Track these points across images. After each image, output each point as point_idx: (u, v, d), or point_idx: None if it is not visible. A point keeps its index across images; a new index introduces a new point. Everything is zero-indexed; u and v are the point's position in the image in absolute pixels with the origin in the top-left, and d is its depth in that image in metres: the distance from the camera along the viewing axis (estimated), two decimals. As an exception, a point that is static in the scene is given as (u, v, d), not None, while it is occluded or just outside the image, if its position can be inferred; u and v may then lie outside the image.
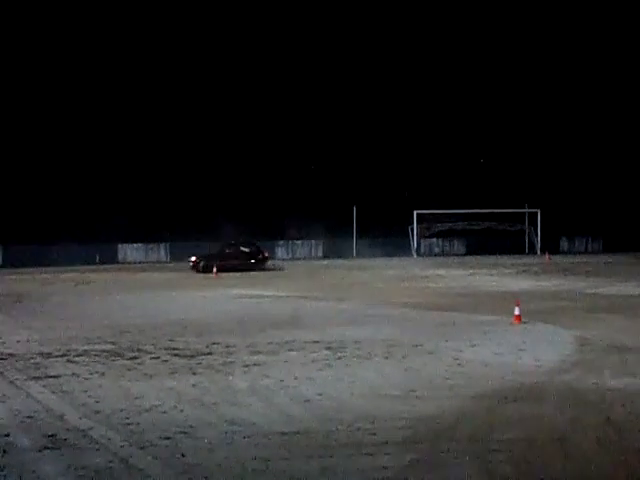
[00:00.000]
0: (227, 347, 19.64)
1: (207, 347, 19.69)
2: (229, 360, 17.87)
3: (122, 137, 66.83)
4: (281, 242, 66.81)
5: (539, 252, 67.43)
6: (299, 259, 64.54)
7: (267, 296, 33.19)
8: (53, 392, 14.72)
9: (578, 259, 60.42)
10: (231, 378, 15.85)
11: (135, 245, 63.62)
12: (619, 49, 74.23)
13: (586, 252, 70.34)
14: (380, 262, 57.35)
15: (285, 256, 65.87)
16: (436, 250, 69.04)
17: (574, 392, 14.42)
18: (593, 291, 34.01)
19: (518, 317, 23.69)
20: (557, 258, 61.00)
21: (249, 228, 64.35)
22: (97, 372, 16.62)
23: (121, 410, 13.25)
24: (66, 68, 65.40)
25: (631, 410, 13.05)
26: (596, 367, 16.76)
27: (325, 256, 65.54)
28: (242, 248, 50.09)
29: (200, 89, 69.15)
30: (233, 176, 68.59)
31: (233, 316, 26.30)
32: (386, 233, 66.14)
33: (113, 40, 66.23)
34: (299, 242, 67.10)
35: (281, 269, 51.51)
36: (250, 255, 50.29)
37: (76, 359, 18.24)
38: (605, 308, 27.42)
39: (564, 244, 71.99)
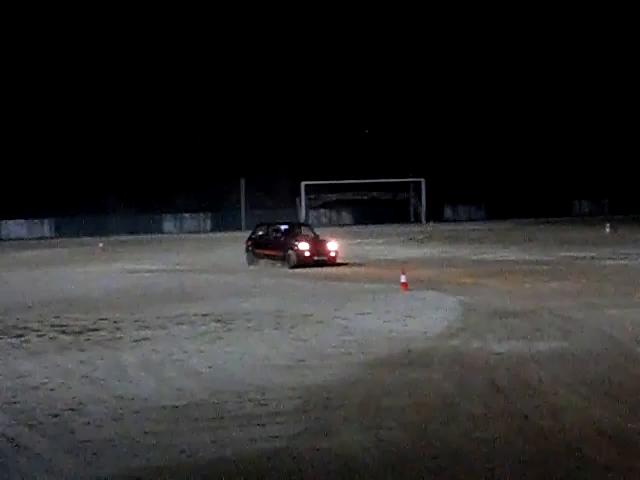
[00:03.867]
0: (115, 323, 19.42)
1: (94, 323, 19.43)
2: (117, 336, 17.67)
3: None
4: (168, 215, 66.22)
5: (424, 220, 68.43)
6: (188, 232, 64.06)
7: (155, 270, 32.91)
8: None
9: (462, 226, 61.54)
10: (120, 354, 15.69)
11: (18, 221, 62.18)
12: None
13: (469, 219, 71.67)
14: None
15: (173, 229, 65.34)
16: (324, 220, 69.41)
17: (461, 357, 14.71)
18: (477, 257, 34.72)
19: (405, 285, 24.02)
20: (441, 226, 61.98)
21: (135, 202, 63.66)
22: (-19, 352, 16.24)
23: (7, 388, 12.99)
24: None
25: (515, 374, 13.37)
26: (481, 332, 17.12)
27: (214, 229, 65.19)
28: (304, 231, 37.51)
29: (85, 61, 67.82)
30: (119, 149, 67.57)
31: (120, 291, 26.02)
32: (274, 205, 66.18)
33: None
34: (187, 215, 66.59)
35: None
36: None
37: (-42, 339, 17.79)
38: (489, 274, 28.02)
39: (448, 212, 73.21)
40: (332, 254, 32.55)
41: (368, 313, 19.94)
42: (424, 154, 71.77)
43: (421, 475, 9.01)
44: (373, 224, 64.49)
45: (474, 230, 56.01)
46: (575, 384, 12.52)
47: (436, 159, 72.26)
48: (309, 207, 68.83)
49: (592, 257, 32.96)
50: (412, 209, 71.55)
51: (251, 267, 33.56)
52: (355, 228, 61.92)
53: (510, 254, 35.82)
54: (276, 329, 18.08)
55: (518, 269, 29.16)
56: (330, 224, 68.27)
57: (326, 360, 14.65)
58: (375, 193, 69.43)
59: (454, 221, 70.54)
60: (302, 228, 36.19)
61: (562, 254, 34.86)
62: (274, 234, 33.98)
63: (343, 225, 66.02)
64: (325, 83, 73.13)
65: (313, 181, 67.50)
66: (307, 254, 31.91)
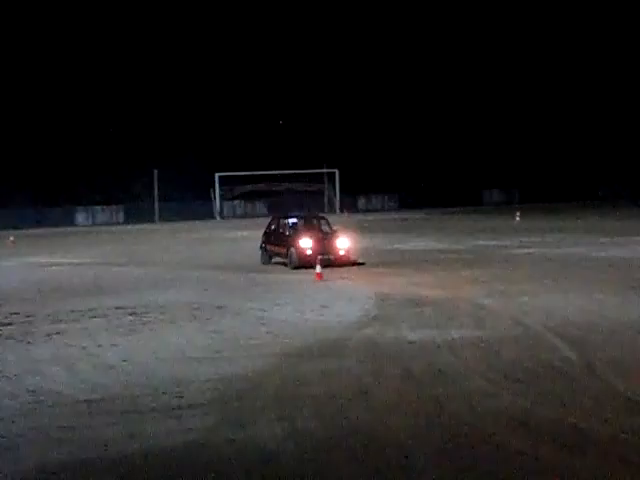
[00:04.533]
0: (27, 317, 19.14)
1: (6, 318, 19.12)
2: (30, 330, 17.43)
3: None
4: (80, 208, 65.35)
5: (338, 211, 68.75)
6: (100, 225, 63.32)
7: (67, 263, 32.48)
8: None
9: (376, 216, 61.99)
10: (32, 348, 15.48)
11: None
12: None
13: (383, 210, 72.22)
14: (183, 226, 57.06)
15: (86, 222, 64.50)
16: (239, 212, 69.26)
17: (374, 346, 14.86)
18: (391, 247, 35.02)
19: (319, 275, 24.14)
20: (355, 216, 62.34)
21: (47, 195, 62.66)
22: None
23: None
24: None
25: (428, 361, 13.57)
26: (395, 321, 17.31)
27: (127, 222, 64.55)
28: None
29: None
30: (29, 142, 66.38)
31: (32, 285, 25.63)
32: (188, 197, 65.76)
33: None
34: (99, 208, 65.78)
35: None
36: None
37: None
38: (402, 263, 28.31)
39: (362, 202, 73.61)
40: (341, 252, 27.70)
41: (284, 304, 19.99)
42: (338, 145, 72.03)
43: (337, 464, 9.10)
44: (288, 215, 64.56)
45: (387, 220, 56.47)
46: (487, 371, 12.75)
47: (350, 150, 72.59)
48: (224, 198, 68.60)
49: (502, 246, 33.51)
50: (326, 200, 71.81)
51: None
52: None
53: (423, 243, 36.23)
54: (191, 321, 18.02)
55: (431, 258, 29.51)
56: (245, 216, 68.13)
57: (242, 351, 14.67)
58: (289, 184, 69.55)
59: (368, 211, 70.98)
60: (315, 221, 30.47)
61: (474, 243, 35.37)
62: (282, 228, 29.47)
63: (258, 216, 65.87)
64: (238, 74, 72.89)
65: (227, 172, 67.28)
66: (309, 252, 27.07)
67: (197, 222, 60.51)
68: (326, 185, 71.79)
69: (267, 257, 29.72)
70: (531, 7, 77.02)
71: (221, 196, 68.20)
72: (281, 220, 30.17)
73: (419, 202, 70.74)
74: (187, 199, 65.69)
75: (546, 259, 28.30)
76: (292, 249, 27.66)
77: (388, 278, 24.36)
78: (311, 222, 30.14)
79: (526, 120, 77.23)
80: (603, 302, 18.72)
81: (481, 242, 35.68)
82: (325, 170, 70.65)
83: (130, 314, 19.10)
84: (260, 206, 70.08)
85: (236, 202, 69.85)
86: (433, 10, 76.84)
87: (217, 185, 67.45)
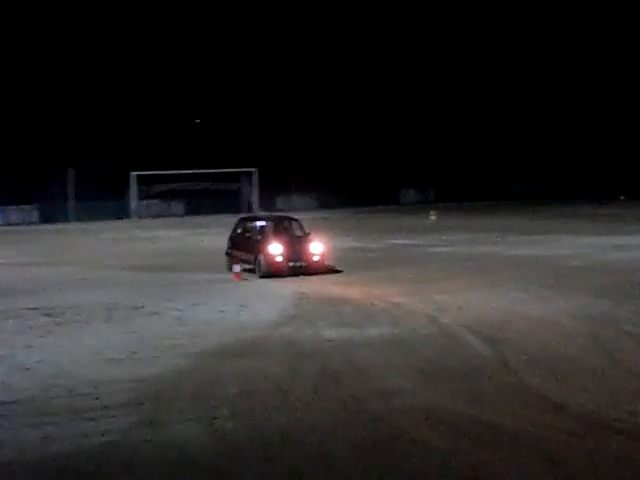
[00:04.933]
0: (-62, 319, 18.71)
1: None
2: (-60, 332, 17.04)
3: None
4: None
5: (256, 210, 68.64)
6: (14, 225, 62.20)
7: (-21, 264, 31.83)
8: None
9: (295, 216, 61.93)
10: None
11: None
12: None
13: (303, 209, 72.28)
14: (99, 225, 56.35)
15: (-2, 222, 63.25)
16: (156, 211, 68.62)
17: (293, 345, 14.90)
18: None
19: (238, 275, 24.09)
20: (274, 216, 62.28)
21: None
22: None
23: None
24: None
25: (346, 359, 13.65)
26: (313, 319, 17.37)
27: (41, 221, 63.50)
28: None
29: None
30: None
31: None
32: (104, 196, 64.93)
33: None
34: (13, 207, 64.59)
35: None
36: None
37: None
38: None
39: (281, 201, 73.57)
40: (315, 258, 24.83)
41: (202, 303, 19.90)
42: (257, 144, 71.86)
43: (255, 463, 9.10)
44: (206, 214, 64.14)
45: (307, 219, 56.51)
46: (405, 368, 12.88)
47: (269, 149, 72.50)
48: (140, 198, 67.93)
49: (419, 245, 33.81)
50: (245, 199, 71.60)
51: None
52: (188, 219, 61.50)
53: (341, 243, 36.35)
54: (107, 322, 17.83)
55: (349, 257, 29.63)
56: (163, 215, 67.54)
57: (159, 351, 14.57)
58: (207, 183, 69.14)
59: (288, 210, 70.99)
60: (286, 223, 27.49)
61: (391, 242, 35.61)
62: (249, 232, 26.48)
63: (175, 215, 65.38)
64: (155, 72, 72.23)
65: (144, 171, 66.62)
66: (279, 259, 24.30)
67: (113, 222, 59.80)
68: (244, 184, 71.59)
69: (232, 263, 25.85)
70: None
71: (137, 195, 67.53)
72: (248, 223, 27.47)
73: (338, 201, 70.96)
74: (103, 198, 64.81)
75: (461, 257, 28.64)
76: (260, 255, 24.63)
77: (306, 277, 24.39)
78: (281, 225, 27.12)
79: (440, 119, 78.01)
80: (517, 299, 19.04)
81: (398, 241, 35.93)
82: (243, 169, 70.44)
83: (45, 315, 18.80)
84: (178, 205, 69.53)
85: (153, 201, 69.20)
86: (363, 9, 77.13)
87: (133, 184, 66.75)
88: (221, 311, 18.75)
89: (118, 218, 62.76)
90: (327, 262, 25.37)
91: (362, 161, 74.68)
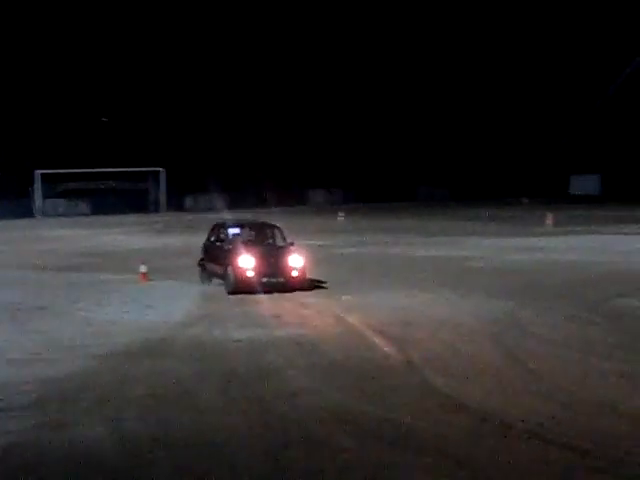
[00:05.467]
0: None
1: None
2: None
3: None
4: None
5: (164, 210, 68.16)
6: None
7: None
8: None
9: (202, 216, 61.70)
10: None
11: None
12: None
13: (209, 209, 71.92)
14: (2, 224, 55.25)
15: None
16: (61, 210, 67.57)
17: (200, 345, 14.87)
18: (217, 247, 34.92)
19: (144, 274, 23.89)
20: (182, 215, 61.98)
21: None
22: None
23: None
24: None
25: (254, 360, 13.68)
26: (221, 320, 17.36)
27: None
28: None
29: None
30: None
31: None
32: (7, 194, 63.71)
33: None
34: None
35: None
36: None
37: None
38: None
39: (189, 201, 73.17)
40: (294, 273, 21.24)
41: (108, 304, 19.72)
42: (164, 144, 71.35)
43: (160, 465, 9.08)
44: (112, 214, 63.43)
45: (214, 220, 56.26)
46: (312, 369, 12.97)
47: (176, 149, 72.04)
48: (45, 196, 66.82)
49: (327, 245, 33.97)
50: (152, 198, 71.02)
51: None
52: (93, 218, 60.72)
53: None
54: (11, 322, 17.54)
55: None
56: (68, 214, 66.57)
57: (65, 352, 14.40)
58: (114, 182, 68.43)
59: (195, 211, 70.62)
60: (265, 231, 23.71)
61: (299, 243, 35.57)
62: (222, 240, 22.96)
63: (81, 215, 64.50)
64: (62, 69, 71.11)
65: (49, 169, 65.59)
66: (250, 274, 20.80)
67: (17, 221, 58.70)
68: (151, 184, 71.01)
69: (206, 276, 23.21)
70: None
71: (42, 194, 66.43)
72: (221, 229, 23.54)
73: (246, 202, 70.84)
74: (6, 197, 63.63)
75: (368, 258, 28.91)
76: (229, 268, 21.17)
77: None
78: (259, 232, 23.51)
79: (348, 120, 78.46)
80: (423, 300, 19.31)
81: (306, 242, 35.99)
82: (151, 169, 69.86)
83: (-54, 316, 18.41)
84: (84, 205, 68.60)
85: (58, 200, 68.15)
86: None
87: (38, 182, 65.66)
88: (127, 312, 18.60)
89: (22, 217, 61.66)
90: (307, 277, 21.65)
91: (271, 161, 74.72)
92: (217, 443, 9.67)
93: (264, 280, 20.86)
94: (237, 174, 73.35)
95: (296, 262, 21.42)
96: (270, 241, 22.97)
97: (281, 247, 22.40)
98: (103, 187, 67.81)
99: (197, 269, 23.76)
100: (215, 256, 22.62)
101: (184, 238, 39.86)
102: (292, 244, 22.39)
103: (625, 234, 35.34)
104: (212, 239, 23.77)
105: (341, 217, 48.96)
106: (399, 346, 14.34)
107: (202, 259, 23.77)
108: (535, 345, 14.48)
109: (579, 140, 74.46)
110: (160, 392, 11.80)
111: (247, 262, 20.94)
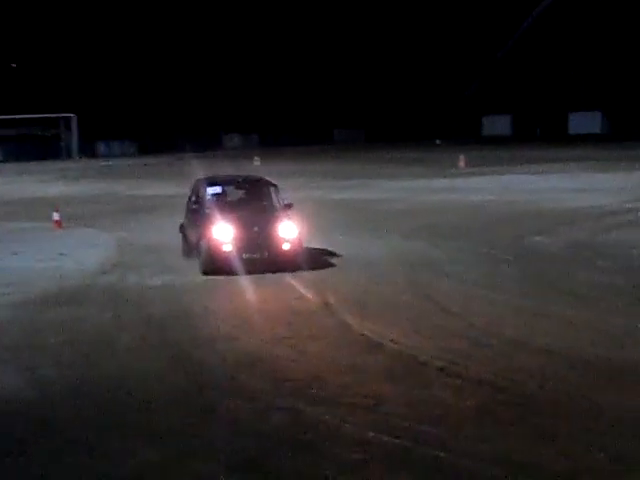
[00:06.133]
0: None
1: None
2: None
3: None
4: None
5: (76, 156, 67.14)
6: None
7: None
8: None
9: (116, 162, 60.97)
10: None
11: None
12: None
13: (123, 155, 71.11)
14: None
15: None
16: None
17: (116, 293, 14.78)
18: (132, 193, 34.66)
19: (58, 222, 23.59)
20: (95, 162, 61.12)
21: None
22: None
23: None
24: None
25: (169, 307, 13.65)
26: (137, 267, 17.26)
27: None
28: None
29: None
30: None
31: None
32: None
33: None
34: None
35: None
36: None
37: None
38: (144, 209, 28.12)
39: (101, 148, 72.20)
40: (285, 246, 16.50)
41: (22, 252, 19.47)
42: (76, 89, 70.04)
43: (81, 412, 9.05)
44: (23, 161, 62.27)
45: (129, 166, 55.71)
46: (230, 314, 13.00)
47: (88, 95, 70.79)
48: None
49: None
50: (63, 145, 69.82)
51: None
52: (5, 165, 59.53)
53: (163, 189, 36.03)
54: None
55: (170, 203, 29.33)
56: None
57: (-23, 303, 14.20)
58: (24, 129, 67.07)
59: (107, 157, 69.71)
60: (253, 190, 18.66)
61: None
62: (200, 202, 17.88)
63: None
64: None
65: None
66: (227, 248, 16.21)
67: None
68: (63, 130, 69.77)
69: (188, 247, 18.14)
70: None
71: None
72: (202, 187, 18.28)
73: (159, 148, 70.13)
74: None
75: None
76: (202, 241, 16.52)
77: (129, 224, 24.15)
78: (247, 192, 18.61)
79: (263, 64, 77.95)
80: (337, 242, 19.41)
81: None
82: (62, 115, 68.60)
83: None
84: (-7, 152, 67.20)
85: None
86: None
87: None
88: (41, 260, 18.39)
89: None
90: (301, 251, 16.68)
91: (185, 106, 73.96)
92: (135, 388, 9.67)
93: (245, 256, 16.16)
94: (150, 119, 72.45)
95: (288, 232, 16.54)
96: (264, 203, 17.93)
97: (269, 212, 17.40)
98: (14, 134, 66.42)
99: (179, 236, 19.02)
100: (192, 222, 17.96)
101: (98, 185, 39.43)
102: (290, 206, 17.65)
103: (535, 174, 35.91)
104: (193, 200, 18.51)
105: (257, 162, 48.78)
106: (316, 288, 14.44)
107: (183, 224, 18.89)
108: (449, 284, 14.71)
109: (490, 82, 75.18)
110: (77, 339, 11.73)
111: (223, 233, 16.20)
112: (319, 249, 18.52)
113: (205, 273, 16.15)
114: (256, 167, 46.93)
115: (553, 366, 9.96)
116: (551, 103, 71.46)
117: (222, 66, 76.90)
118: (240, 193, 18.66)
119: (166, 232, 22.14)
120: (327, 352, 10.84)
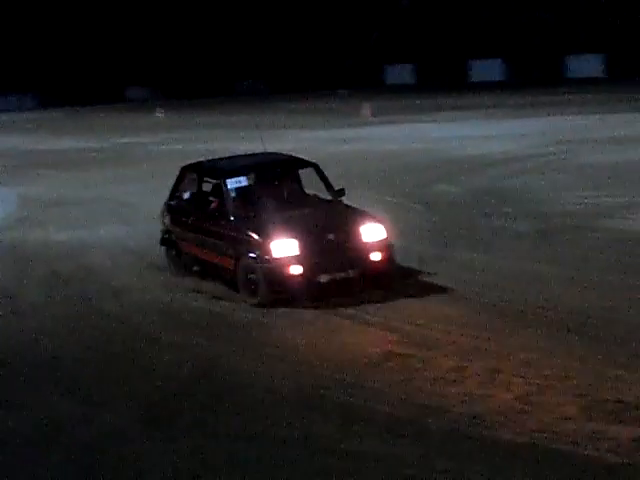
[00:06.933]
0: None
1: None
2: None
3: None
4: None
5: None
6: None
7: None
8: None
9: (11, 116, 59.47)
10: None
11: None
12: None
13: (20, 109, 69.38)
14: None
15: None
16: None
17: (20, 248, 14.57)
18: (31, 147, 33.88)
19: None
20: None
21: None
22: None
23: None
24: None
25: (76, 261, 13.49)
26: (41, 222, 17.02)
27: None
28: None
29: None
30: None
31: None
32: None
33: None
34: None
35: None
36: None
37: None
38: (45, 164, 27.52)
39: (-1, 101, 70.35)
40: (374, 257, 11.08)
41: None
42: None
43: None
44: None
45: (26, 120, 54.43)
46: (135, 266, 12.91)
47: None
48: None
49: (146, 143, 33.38)
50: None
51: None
52: None
53: (65, 143, 35.30)
54: None
55: (73, 158, 28.87)
56: None
57: None
58: None
59: (3, 111, 67.94)
60: (290, 175, 12.82)
61: (117, 141, 34.87)
62: (214, 201, 12.06)
63: None
64: None
65: None
66: (295, 271, 10.74)
67: None
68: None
69: (182, 264, 12.46)
70: None
71: None
72: (205, 178, 12.59)
73: (60, 100, 68.61)
74: None
75: (189, 155, 28.58)
76: (250, 262, 10.93)
77: (31, 179, 23.67)
78: (276, 180, 12.69)
79: (161, 16, 76.77)
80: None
81: (125, 140, 35.29)
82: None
83: None
84: None
85: None
86: None
87: None
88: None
89: None
90: (394, 263, 11.47)
91: (86, 57, 72.55)
92: (41, 345, 9.59)
93: (322, 280, 10.85)
94: (48, 70, 70.86)
95: (374, 235, 11.26)
96: (316, 197, 12.74)
97: (335, 209, 12.16)
98: None
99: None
100: (204, 234, 11.92)
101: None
102: (343, 193, 12.64)
103: (441, 122, 36.12)
104: (185, 197, 12.81)
105: (160, 113, 48.12)
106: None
107: (167, 232, 12.89)
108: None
109: (393, 30, 75.35)
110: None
111: (284, 248, 10.80)
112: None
113: (261, 305, 10.83)
114: (160, 119, 46.44)
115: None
116: (452, 51, 71.90)
117: (124, 17, 75.52)
118: (270, 183, 12.61)
119: (70, 187, 21.83)
120: (238, 301, 10.84)
